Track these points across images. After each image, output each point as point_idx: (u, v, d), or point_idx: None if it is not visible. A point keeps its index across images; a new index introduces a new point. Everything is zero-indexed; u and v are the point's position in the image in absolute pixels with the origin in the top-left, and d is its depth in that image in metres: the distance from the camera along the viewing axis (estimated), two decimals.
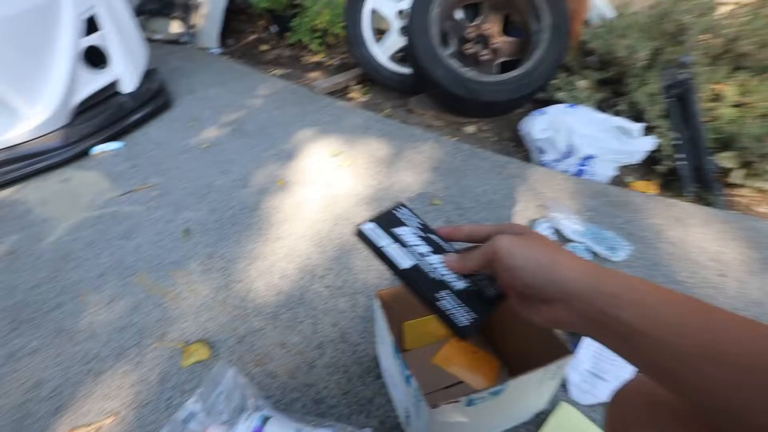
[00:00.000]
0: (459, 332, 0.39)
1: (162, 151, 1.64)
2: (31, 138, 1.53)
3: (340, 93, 2.20)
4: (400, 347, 0.82)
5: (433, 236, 0.47)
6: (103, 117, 1.73)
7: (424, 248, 0.45)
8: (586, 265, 0.31)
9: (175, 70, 2.40)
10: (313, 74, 2.47)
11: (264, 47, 2.99)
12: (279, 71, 2.54)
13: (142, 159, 1.60)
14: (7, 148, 1.49)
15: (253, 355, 0.85)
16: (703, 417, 0.28)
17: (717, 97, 1.46)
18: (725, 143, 1.39)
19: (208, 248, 1.14)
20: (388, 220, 0.48)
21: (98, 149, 1.66)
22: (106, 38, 1.73)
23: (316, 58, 2.69)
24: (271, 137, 1.68)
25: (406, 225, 0.48)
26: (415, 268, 0.43)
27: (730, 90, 1.43)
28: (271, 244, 1.14)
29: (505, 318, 0.78)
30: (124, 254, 1.14)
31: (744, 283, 1.00)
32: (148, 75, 1.98)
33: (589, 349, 0.84)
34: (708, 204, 1.31)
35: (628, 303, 0.28)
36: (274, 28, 3.04)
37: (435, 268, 0.43)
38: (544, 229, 1.16)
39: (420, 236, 0.47)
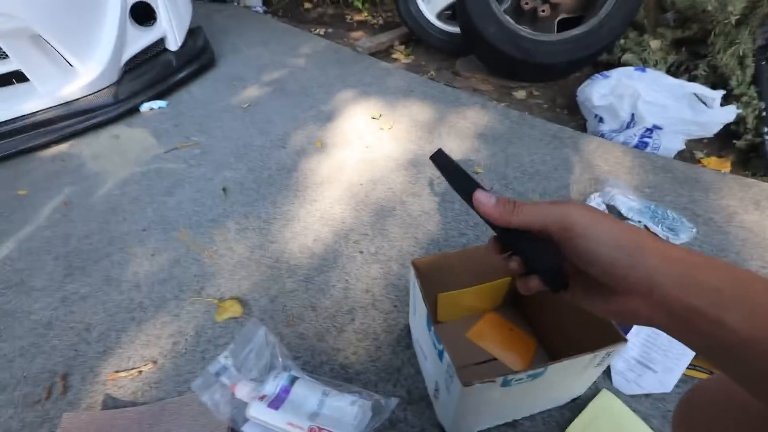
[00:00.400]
0: (553, 281, 0.31)
1: (204, 109, 1.66)
2: (85, 95, 1.59)
3: (384, 53, 2.10)
4: (434, 319, 0.79)
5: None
6: (151, 75, 1.76)
7: None
8: (679, 251, 0.25)
9: (219, 29, 2.38)
10: (357, 33, 2.37)
11: (307, 5, 2.91)
12: (322, 30, 2.46)
13: (185, 117, 1.62)
14: (64, 104, 1.56)
15: (285, 315, 0.86)
16: None
17: None
18: None
19: (245, 207, 1.14)
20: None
21: (146, 106, 1.70)
22: None
23: (360, 17, 2.57)
24: (312, 98, 1.64)
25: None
26: None
27: None
28: (307, 206, 1.13)
29: (548, 297, 0.73)
30: (167, 210, 1.17)
31: None
32: (193, 33, 1.97)
33: (638, 335, 0.77)
34: None
35: (733, 301, 0.22)
36: None
37: None
38: (597, 205, 1.06)
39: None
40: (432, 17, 1.90)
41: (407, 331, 0.82)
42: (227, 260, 0.99)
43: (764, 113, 1.24)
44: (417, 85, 1.64)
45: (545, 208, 0.29)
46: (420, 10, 1.89)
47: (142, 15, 1.75)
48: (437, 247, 0.99)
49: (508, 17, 1.55)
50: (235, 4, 3.06)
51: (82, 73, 1.56)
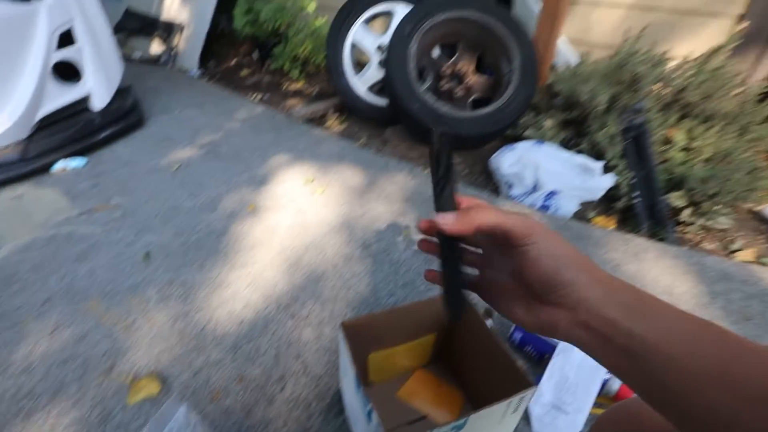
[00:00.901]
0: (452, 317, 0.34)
1: (129, 170, 1.59)
2: None
3: (318, 121, 2.22)
4: (365, 380, 0.80)
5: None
6: (68, 132, 1.67)
7: None
8: (605, 275, 0.29)
9: (151, 90, 2.37)
10: (292, 101, 2.49)
11: (244, 72, 3.02)
12: (258, 96, 2.55)
13: (106, 177, 1.54)
14: None
15: (209, 390, 0.81)
16: None
17: (668, 142, 1.57)
18: (676, 184, 1.48)
19: (169, 273, 1.09)
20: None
21: (60, 165, 1.59)
22: (80, 53, 1.70)
23: (295, 86, 2.72)
24: (245, 161, 1.66)
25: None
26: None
27: (679, 135, 1.54)
28: (237, 270, 1.11)
29: (468, 349, 0.78)
30: (76, 278, 1.07)
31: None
32: (122, 92, 1.94)
33: (550, 380, 0.85)
34: (661, 240, 1.38)
35: (641, 315, 0.27)
36: (255, 55, 3.08)
37: None
38: None
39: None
40: (363, 91, 2.08)
41: (339, 396, 0.81)
42: (145, 332, 0.92)
43: (633, 181, 1.51)
44: (349, 152, 1.75)
45: (508, 212, 0.31)
46: (351, 85, 2.06)
47: (67, 71, 1.69)
48: (368, 308, 1.02)
49: (429, 96, 1.76)
50: (170, 66, 3.08)
51: None
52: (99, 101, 1.79)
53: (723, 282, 1.17)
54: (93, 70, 1.75)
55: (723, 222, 1.45)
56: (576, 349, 0.94)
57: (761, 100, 1.57)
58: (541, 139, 1.72)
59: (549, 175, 1.51)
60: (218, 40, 3.60)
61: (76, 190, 1.45)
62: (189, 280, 1.07)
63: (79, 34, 1.68)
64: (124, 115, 1.87)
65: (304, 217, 1.33)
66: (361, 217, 1.35)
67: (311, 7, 2.65)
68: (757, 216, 1.57)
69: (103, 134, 1.76)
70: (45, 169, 1.57)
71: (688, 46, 1.70)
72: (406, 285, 1.08)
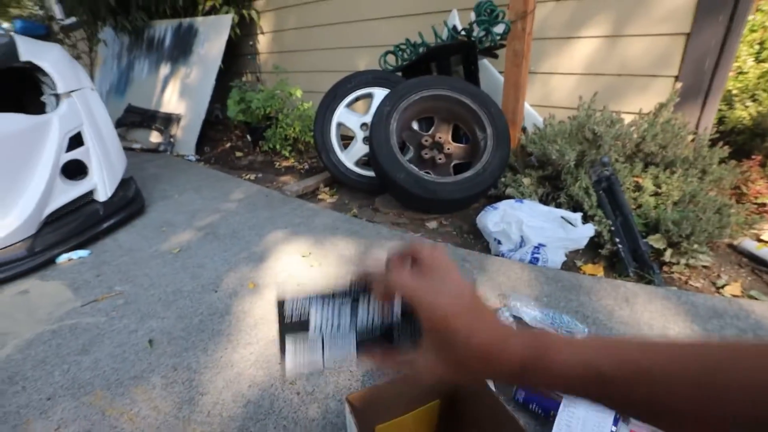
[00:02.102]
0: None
1: (131, 257, 1.65)
2: None
3: (310, 195, 2.35)
4: None
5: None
6: (73, 225, 1.75)
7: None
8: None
9: (151, 177, 2.50)
10: (285, 177, 2.64)
11: (238, 154, 3.21)
12: (252, 176, 2.70)
13: (109, 266, 1.59)
14: None
15: None
16: None
17: (638, 188, 1.70)
18: (653, 227, 1.57)
19: (173, 359, 1.10)
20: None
21: (64, 257, 1.65)
22: (88, 152, 1.84)
23: (287, 163, 2.90)
24: (243, 240, 1.74)
25: None
26: None
27: (646, 182, 1.67)
28: (241, 350, 1.13)
29: (473, 414, 0.79)
30: (80, 371, 1.08)
31: None
32: (124, 183, 2.06)
33: None
34: (649, 282, 1.43)
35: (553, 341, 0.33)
36: (248, 138, 3.31)
37: None
38: (505, 318, 1.22)
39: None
40: (350, 165, 2.24)
41: None
42: (150, 422, 0.92)
43: (612, 228, 1.60)
44: (342, 223, 1.84)
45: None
46: (340, 160, 2.22)
47: (74, 169, 1.81)
48: (372, 378, 1.03)
49: (412, 165, 1.91)
50: (168, 153, 3.28)
51: None
52: (103, 194, 1.89)
53: (715, 319, 1.20)
54: (99, 167, 1.88)
55: (704, 259, 1.52)
56: (579, 404, 0.96)
57: (712, 145, 1.72)
58: (522, 196, 1.84)
59: (533, 230, 1.60)
60: (213, 127, 3.87)
61: (80, 281, 1.49)
62: (193, 364, 1.08)
63: (87, 136, 1.83)
64: (127, 205, 1.97)
65: (304, 291, 1.37)
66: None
67: (299, 93, 2.91)
68: (736, 250, 1.65)
69: (107, 224, 1.85)
70: (50, 261, 1.62)
71: (638, 104, 1.90)
72: None
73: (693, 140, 1.78)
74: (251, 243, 1.70)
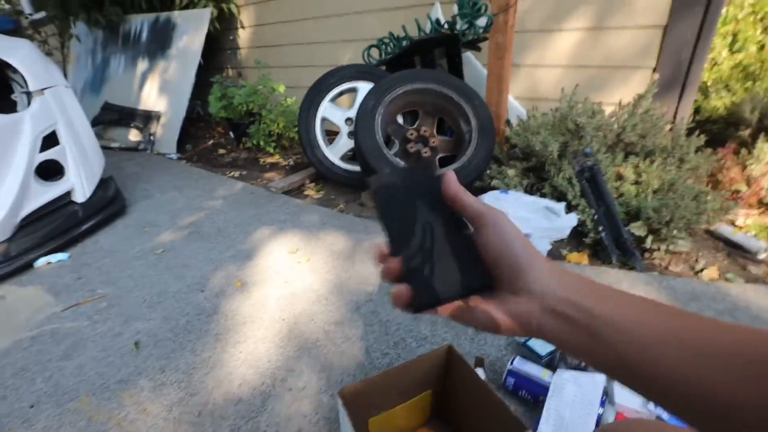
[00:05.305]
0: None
1: (113, 259, 1.61)
2: None
3: (296, 191, 2.32)
4: None
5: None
6: (50, 228, 1.69)
7: None
8: (557, 266, 0.33)
9: (131, 176, 2.44)
10: (270, 174, 2.61)
11: (221, 151, 3.15)
12: (236, 173, 2.66)
13: (90, 269, 1.55)
14: None
15: None
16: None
17: (620, 177, 1.73)
18: (634, 215, 1.61)
19: (161, 361, 1.08)
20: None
21: (42, 261, 1.60)
22: (63, 152, 1.78)
23: (271, 160, 2.86)
24: (229, 238, 1.71)
25: None
26: None
27: (627, 171, 1.70)
28: (230, 349, 1.11)
29: (464, 403, 0.81)
30: (63, 377, 1.05)
31: None
32: (103, 183, 2.00)
33: (548, 423, 0.87)
34: (632, 268, 1.47)
35: (596, 296, 0.30)
36: (231, 134, 3.25)
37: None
38: None
39: None
40: (336, 160, 2.22)
41: None
42: (139, 425, 0.90)
43: (595, 216, 1.63)
44: (329, 218, 1.83)
45: (481, 202, 0.35)
46: (325, 155, 2.20)
47: (50, 170, 1.75)
48: (363, 371, 1.03)
49: (398, 159, 1.90)
50: (148, 152, 3.20)
51: None
52: (81, 194, 1.84)
53: (694, 302, 1.25)
54: (75, 166, 1.82)
55: (683, 245, 1.57)
56: (568, 388, 0.97)
57: (689, 134, 1.77)
58: (507, 187, 1.86)
59: (518, 221, 1.61)
60: (194, 124, 3.79)
61: (59, 285, 1.45)
62: (182, 365, 1.07)
63: (62, 135, 1.77)
64: (107, 205, 1.92)
65: (292, 288, 1.37)
66: (347, 281, 1.39)
67: (281, 89, 2.87)
68: (713, 235, 1.71)
69: (86, 226, 1.79)
70: (28, 266, 1.56)
71: (618, 95, 1.94)
72: (397, 344, 1.10)
73: (671, 129, 1.83)
74: (237, 241, 1.68)
